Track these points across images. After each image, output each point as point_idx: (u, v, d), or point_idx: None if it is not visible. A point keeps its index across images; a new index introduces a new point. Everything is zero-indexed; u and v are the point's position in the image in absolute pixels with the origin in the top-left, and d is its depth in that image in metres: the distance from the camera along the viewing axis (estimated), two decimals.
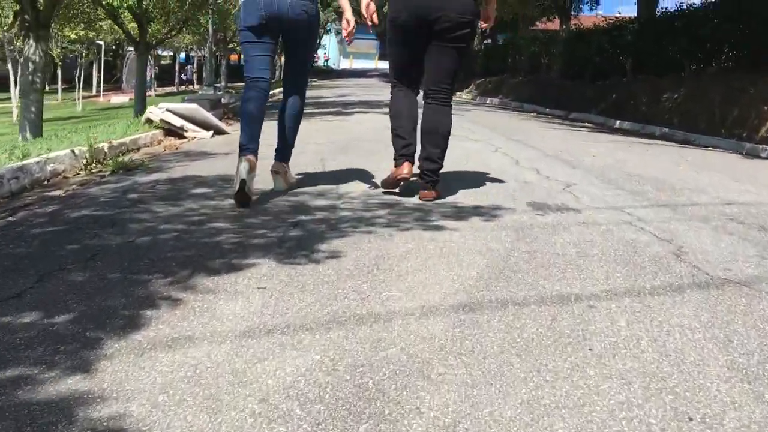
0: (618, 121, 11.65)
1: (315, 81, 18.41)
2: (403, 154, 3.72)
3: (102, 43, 25.63)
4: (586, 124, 11.84)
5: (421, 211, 3.47)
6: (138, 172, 4.76)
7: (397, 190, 3.83)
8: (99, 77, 28.45)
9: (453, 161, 5.12)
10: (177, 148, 6.29)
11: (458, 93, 21.86)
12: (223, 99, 13.25)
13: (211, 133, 7.33)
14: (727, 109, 9.63)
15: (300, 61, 3.90)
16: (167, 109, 7.30)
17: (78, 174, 4.77)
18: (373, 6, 3.81)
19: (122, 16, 13.31)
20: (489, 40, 26.03)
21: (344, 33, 3.96)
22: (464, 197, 3.90)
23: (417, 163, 3.85)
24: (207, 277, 2.29)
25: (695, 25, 11.83)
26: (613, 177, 4.80)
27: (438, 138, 3.81)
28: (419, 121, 3.83)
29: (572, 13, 18.93)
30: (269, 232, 2.95)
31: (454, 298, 2.13)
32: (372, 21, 3.89)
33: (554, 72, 17.96)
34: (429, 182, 3.75)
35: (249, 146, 3.60)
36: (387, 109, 4.03)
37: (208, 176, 4.52)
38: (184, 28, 13.79)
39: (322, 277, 2.32)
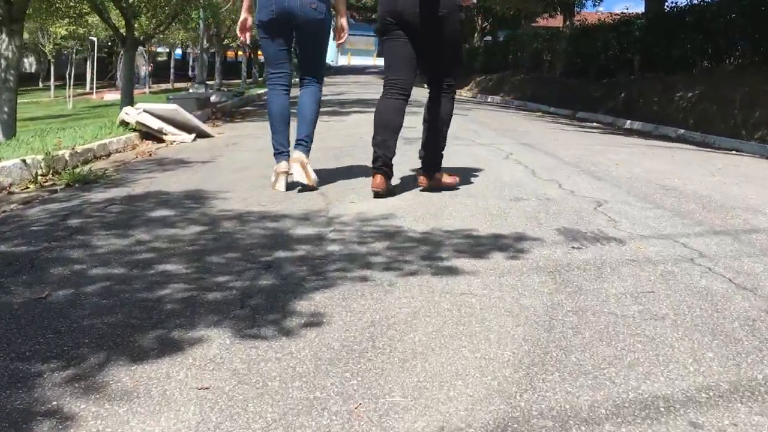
0: (628, 121, 10.93)
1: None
2: (375, 167, 3.63)
3: (95, 39, 24.83)
4: (595, 124, 11.11)
5: (428, 243, 2.75)
6: (96, 186, 4.03)
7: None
8: (93, 74, 27.66)
9: (462, 171, 4.41)
10: (151, 155, 5.56)
11: (458, 91, 21.07)
12: (213, 97, 12.52)
13: (192, 136, 6.60)
14: (747, 110, 8.92)
15: (313, 57, 3.99)
16: (144, 110, 6.57)
17: (27, 188, 4.05)
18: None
19: (108, 10, 12.57)
20: (489, 37, 25.30)
21: (339, 40, 4.11)
22: (479, 221, 3.18)
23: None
24: (127, 368, 1.57)
25: (708, 20, 11.12)
26: (648, 192, 4.08)
27: (438, 131, 3.92)
28: (424, 112, 3.93)
29: (576, 9, 18.17)
30: (232, 280, 2.23)
31: (487, 410, 1.41)
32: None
33: (557, 69, 17.23)
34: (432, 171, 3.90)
35: (281, 150, 3.91)
36: None
37: (175, 193, 3.79)
38: (173, 23, 13.00)
39: (295, 365, 1.60)
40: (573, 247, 2.74)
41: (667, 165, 5.45)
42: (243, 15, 3.95)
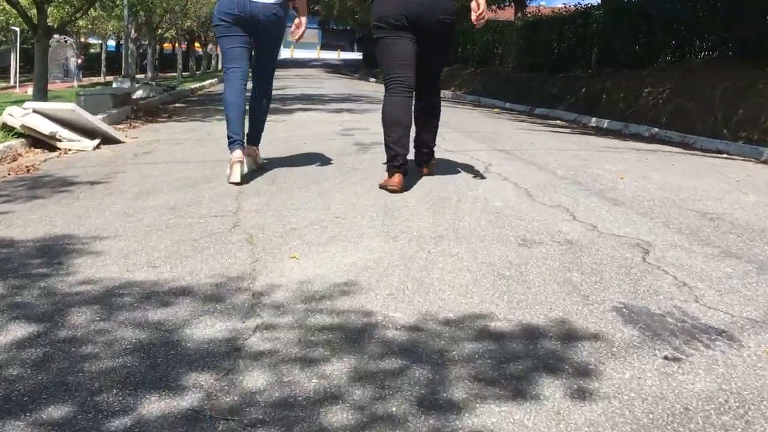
0: (593, 119, 9.96)
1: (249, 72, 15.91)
2: (392, 165, 3.54)
3: (17, 29, 22.63)
4: (558, 122, 10.11)
5: (421, 359, 1.56)
6: None
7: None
8: (16, 67, 25.32)
9: (438, 193, 3.24)
10: (30, 170, 4.18)
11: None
12: (139, 92, 11.01)
13: (95, 142, 5.22)
14: (728, 108, 8.02)
15: (269, 57, 4.07)
16: (34, 110, 5.16)
17: None
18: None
19: None
20: None
21: (297, 36, 4.12)
22: (488, 292, 2.01)
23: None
24: None
25: (673, 11, 10.26)
26: (692, 225, 2.98)
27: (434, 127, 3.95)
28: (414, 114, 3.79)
29: (526, 2, 17.22)
30: None
31: None
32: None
33: (509, 63, 16.26)
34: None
35: (236, 138, 3.78)
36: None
37: (23, 244, 2.48)
38: (92, 9, 11.37)
39: None
40: (665, 358, 1.59)
41: (677, 177, 4.39)
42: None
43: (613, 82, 10.97)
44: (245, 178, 3.75)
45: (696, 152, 6.58)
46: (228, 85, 3.90)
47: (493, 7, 20.19)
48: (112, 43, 31.81)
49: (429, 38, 3.53)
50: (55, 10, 10.95)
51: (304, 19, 4.06)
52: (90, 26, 23.97)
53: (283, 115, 8.03)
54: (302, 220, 2.89)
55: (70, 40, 27.40)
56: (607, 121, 9.60)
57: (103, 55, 27.49)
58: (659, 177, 4.34)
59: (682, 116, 8.67)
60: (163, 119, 7.88)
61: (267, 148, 5.09)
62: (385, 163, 3.67)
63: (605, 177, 4.21)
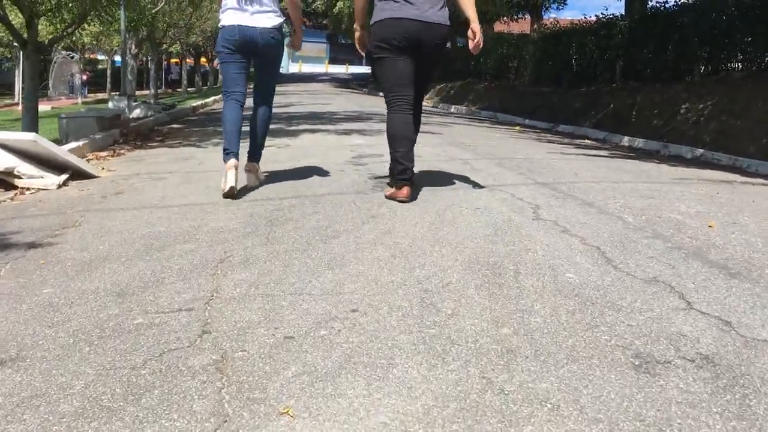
0: (626, 138, 9.02)
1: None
2: (402, 179, 3.69)
3: None
4: (587, 141, 9.17)
5: None
6: None
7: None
8: (20, 84, 24.61)
9: (487, 263, 2.31)
10: None
11: None
12: (135, 112, 10.15)
13: (62, 179, 4.32)
14: None
15: (268, 78, 4.18)
16: None
17: None
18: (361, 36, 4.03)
19: (4, 7, 10.01)
20: (448, 44, 23.39)
21: (295, 45, 4.33)
22: None
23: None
24: None
25: (707, 20, 9.32)
26: None
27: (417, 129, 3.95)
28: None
29: (542, 14, 16.31)
30: None
31: None
32: (362, 47, 4.08)
33: (525, 77, 15.34)
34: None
35: (231, 150, 3.83)
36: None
37: None
38: (87, 23, 10.53)
39: None
40: None
41: None
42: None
43: (644, 96, 10.02)
44: (245, 217, 2.84)
45: (757, 179, 5.63)
46: (227, 105, 4.01)
47: (505, 18, 19.35)
48: (119, 58, 31.16)
49: (424, 58, 3.75)
50: (47, 24, 10.11)
51: (299, 30, 4.30)
52: (95, 42, 23.26)
53: (287, 138, 7.13)
54: (303, 316, 1.96)
55: (75, 56, 26.72)
56: (641, 140, 8.65)
57: (109, 71, 26.73)
58: (754, 224, 3.39)
59: (728, 135, 7.71)
60: (155, 144, 6.98)
61: (267, 184, 4.18)
62: (392, 181, 3.94)
63: (689, 225, 3.27)
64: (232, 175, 3.74)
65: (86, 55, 27.84)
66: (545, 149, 7.06)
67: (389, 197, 3.73)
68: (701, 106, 8.54)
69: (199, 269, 2.43)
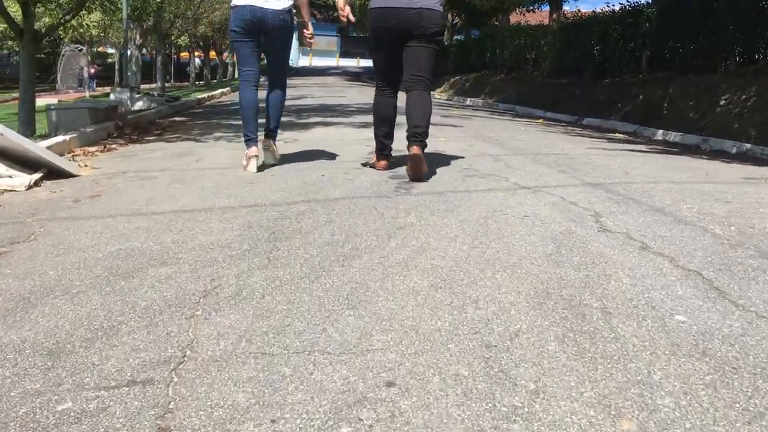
0: (659, 131, 8.28)
1: (265, 80, 14.57)
2: (384, 154, 4.10)
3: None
4: (617, 134, 8.44)
5: None
6: None
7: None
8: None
9: (563, 297, 1.60)
10: None
11: (432, 93, 18.32)
12: (138, 104, 9.51)
13: (34, 178, 3.67)
14: None
15: (280, 59, 4.27)
16: None
17: None
18: (347, 7, 4.03)
19: None
20: (461, 36, 22.61)
21: (307, 39, 4.48)
22: None
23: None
24: None
25: (743, 5, 8.56)
26: None
27: (424, 115, 3.85)
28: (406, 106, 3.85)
29: (563, 4, 15.53)
30: None
31: None
32: (348, 19, 4.04)
33: (544, 69, 14.58)
34: (418, 142, 3.71)
35: (251, 136, 4.02)
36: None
37: None
38: (87, 13, 9.87)
39: None
40: None
41: None
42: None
43: (677, 87, 9.26)
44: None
45: None
46: (242, 88, 4.12)
47: (520, 10, 18.56)
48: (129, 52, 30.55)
49: (417, 43, 3.78)
50: (45, 12, 9.48)
51: (309, 24, 4.32)
52: (102, 34, 22.64)
53: (297, 132, 6.45)
54: (314, 396, 1.29)
55: (83, 49, 26.14)
56: (677, 134, 7.90)
57: (118, 65, 26.14)
58: None
59: None
60: (152, 137, 6.33)
61: (271, 184, 3.52)
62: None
63: None
64: (253, 163, 3.99)
65: (95, 49, 27.24)
66: (580, 143, 6.35)
67: (369, 166, 4.15)
68: (744, 97, 7.79)
69: (173, 308, 1.77)
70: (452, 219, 2.81)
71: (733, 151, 6.78)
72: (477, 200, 3.21)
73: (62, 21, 9.09)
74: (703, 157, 5.98)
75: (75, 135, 5.42)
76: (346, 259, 2.22)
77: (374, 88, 4.17)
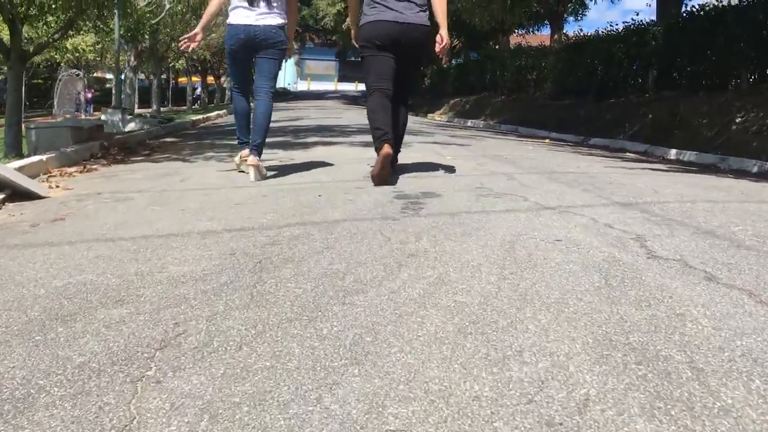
0: (672, 150, 7.87)
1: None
2: (383, 140, 3.86)
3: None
4: (628, 153, 8.04)
5: None
6: None
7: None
8: (23, 101, 23.76)
9: (640, 362, 1.12)
10: None
11: (430, 115, 18.01)
12: (129, 126, 9.11)
13: None
14: None
15: (268, 69, 4.23)
16: None
17: None
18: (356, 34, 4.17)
19: None
20: (461, 59, 22.37)
21: (288, 55, 4.46)
22: None
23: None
24: None
25: (754, 20, 8.23)
26: None
27: (401, 126, 4.24)
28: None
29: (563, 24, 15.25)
30: None
31: None
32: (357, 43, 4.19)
33: (546, 90, 14.25)
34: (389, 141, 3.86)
35: (244, 140, 4.40)
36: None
37: None
38: (78, 34, 9.49)
39: None
40: None
41: None
42: (197, 30, 4.24)
43: (689, 106, 8.88)
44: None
45: None
46: (236, 98, 4.45)
47: (521, 32, 18.32)
48: (123, 76, 30.35)
49: (404, 55, 3.97)
50: (31, 30, 9.10)
51: (291, 42, 4.47)
52: (98, 58, 22.36)
53: (293, 151, 6.03)
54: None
55: (80, 74, 25.86)
56: (692, 153, 7.49)
57: (113, 90, 25.85)
58: None
59: None
60: (139, 158, 5.90)
61: (262, 206, 3.08)
62: (377, 144, 3.90)
63: None
64: (253, 172, 4.10)
65: (92, 74, 26.99)
66: (594, 162, 5.93)
67: (377, 175, 3.84)
68: (762, 114, 7.40)
69: (117, 366, 1.31)
70: (472, 244, 2.37)
71: (755, 170, 6.36)
72: (497, 222, 2.77)
73: (51, 40, 8.70)
74: (729, 176, 5.55)
75: (53, 155, 4.99)
76: (348, 295, 1.77)
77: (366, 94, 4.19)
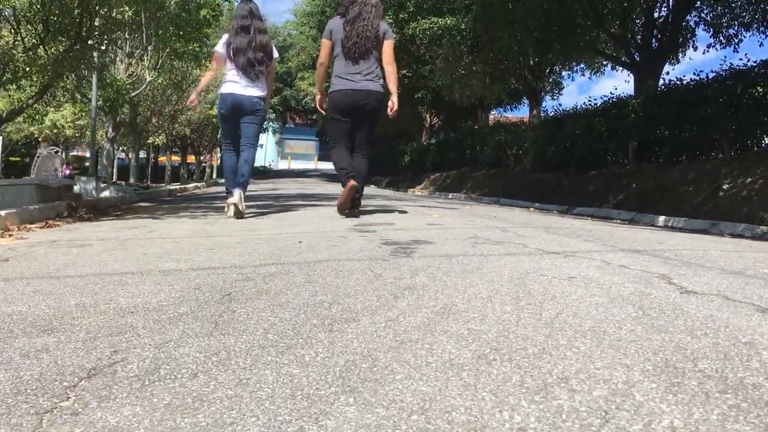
0: (661, 218, 7.71)
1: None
2: (348, 175, 4.65)
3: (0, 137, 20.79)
4: (615, 221, 7.85)
5: None
6: None
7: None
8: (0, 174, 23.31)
9: (687, 372, 0.75)
10: None
11: (411, 190, 17.92)
12: (104, 194, 8.80)
13: None
14: None
15: (253, 128, 5.09)
16: None
17: None
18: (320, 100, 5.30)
19: None
20: (440, 137, 22.58)
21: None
22: None
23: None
24: None
25: (732, 93, 8.32)
26: None
27: (361, 176, 4.88)
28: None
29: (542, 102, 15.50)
30: None
31: None
32: (322, 108, 5.27)
33: (526, 163, 14.27)
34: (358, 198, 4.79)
35: (230, 189, 4.97)
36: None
37: None
38: (48, 96, 9.25)
39: None
40: None
41: None
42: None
43: (674, 174, 8.82)
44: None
45: None
46: (225, 153, 5.26)
47: (498, 112, 18.59)
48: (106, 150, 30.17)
49: (363, 116, 4.87)
50: (5, 97, 8.87)
51: (268, 100, 5.32)
52: (78, 135, 22.22)
53: (274, 211, 5.73)
54: None
55: (59, 151, 25.66)
56: (681, 219, 7.32)
57: (98, 165, 25.58)
58: None
59: None
60: (109, 218, 5.54)
61: (236, 250, 2.74)
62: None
63: None
64: (232, 210, 4.69)
65: (71, 152, 26.82)
66: (586, 223, 5.70)
67: (341, 205, 4.72)
68: (749, 180, 7.31)
69: (24, 396, 0.96)
70: (476, 279, 2.05)
71: (748, 234, 6.17)
72: (499, 263, 2.47)
73: (26, 105, 8.47)
74: (726, 235, 5.34)
75: (13, 211, 4.62)
76: (336, 323, 1.43)
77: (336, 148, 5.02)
